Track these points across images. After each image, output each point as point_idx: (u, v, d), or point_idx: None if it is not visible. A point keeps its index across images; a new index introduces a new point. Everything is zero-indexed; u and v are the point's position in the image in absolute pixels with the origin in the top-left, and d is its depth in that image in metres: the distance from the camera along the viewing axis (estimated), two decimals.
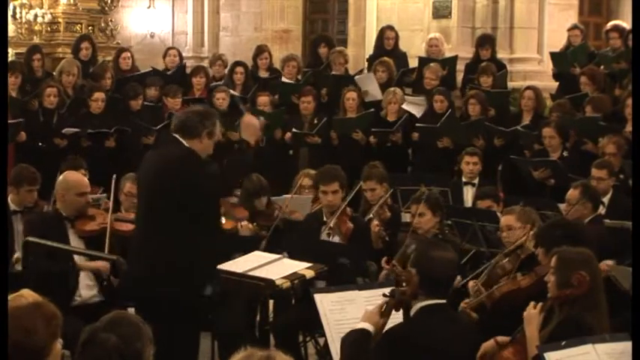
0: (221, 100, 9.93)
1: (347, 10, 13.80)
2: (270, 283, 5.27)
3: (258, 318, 5.99)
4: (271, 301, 5.89)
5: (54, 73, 10.39)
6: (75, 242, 5.93)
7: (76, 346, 3.19)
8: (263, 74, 10.90)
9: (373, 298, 4.55)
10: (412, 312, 4.15)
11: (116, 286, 5.82)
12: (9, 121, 8.61)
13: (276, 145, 9.79)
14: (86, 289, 5.88)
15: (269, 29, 14.62)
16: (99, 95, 9.57)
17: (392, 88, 9.94)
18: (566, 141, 8.62)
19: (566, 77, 10.32)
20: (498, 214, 6.46)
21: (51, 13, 13.62)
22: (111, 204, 6.24)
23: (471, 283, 5.62)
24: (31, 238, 5.95)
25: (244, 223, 6.91)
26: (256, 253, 5.77)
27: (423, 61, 10.53)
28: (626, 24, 10.83)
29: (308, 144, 9.76)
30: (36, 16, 13.46)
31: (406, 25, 12.28)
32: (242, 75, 10.61)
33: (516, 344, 4.47)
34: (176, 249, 5.06)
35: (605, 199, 7.14)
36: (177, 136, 5.17)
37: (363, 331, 4.09)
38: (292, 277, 5.36)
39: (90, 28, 13.86)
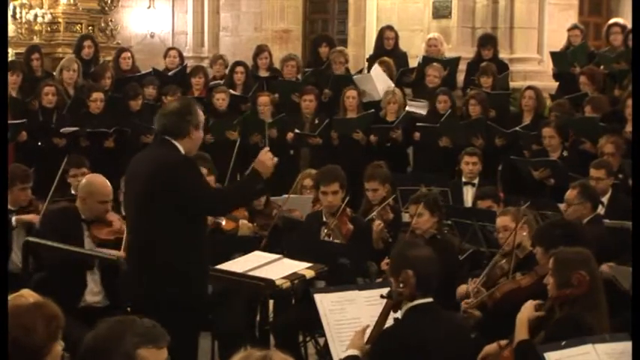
0: (221, 100, 9.96)
1: (347, 10, 13.80)
2: (270, 283, 5.27)
3: (258, 318, 5.99)
4: (271, 301, 5.89)
5: (54, 73, 10.39)
6: (89, 245, 5.91)
7: (77, 350, 3.17)
8: (263, 74, 10.91)
9: (373, 298, 4.55)
10: (401, 313, 4.16)
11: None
12: (12, 122, 8.65)
13: (276, 145, 9.77)
14: (91, 295, 5.84)
15: (269, 29, 14.63)
16: (97, 95, 9.57)
17: (392, 88, 9.95)
18: (566, 141, 8.63)
19: (566, 77, 10.32)
20: None
21: (51, 13, 13.63)
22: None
23: (470, 284, 5.62)
24: (31, 238, 5.98)
25: (244, 221, 6.91)
26: (256, 253, 5.77)
27: (426, 61, 10.54)
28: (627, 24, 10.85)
29: (309, 145, 9.77)
30: (36, 16, 13.46)
31: (406, 25, 12.28)
32: (242, 75, 10.62)
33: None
34: (174, 250, 4.98)
35: (605, 199, 7.13)
36: (166, 137, 5.05)
37: (350, 357, 4.10)
38: (292, 277, 5.36)
39: (90, 28, 13.87)
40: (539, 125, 8.88)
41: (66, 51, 12.58)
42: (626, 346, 3.96)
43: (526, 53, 12.10)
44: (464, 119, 9.57)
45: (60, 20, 13.67)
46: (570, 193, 6.57)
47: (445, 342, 4.09)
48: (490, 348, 4.65)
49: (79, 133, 9.29)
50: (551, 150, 8.56)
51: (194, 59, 14.49)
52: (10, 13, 12.96)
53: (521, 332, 4.36)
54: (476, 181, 8.21)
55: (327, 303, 4.63)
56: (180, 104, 5.21)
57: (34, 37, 13.42)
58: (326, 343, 4.66)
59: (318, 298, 4.65)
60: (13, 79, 9.61)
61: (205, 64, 12.45)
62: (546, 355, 3.89)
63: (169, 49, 11.81)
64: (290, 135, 9.73)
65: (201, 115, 5.15)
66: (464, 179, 8.29)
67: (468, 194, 8.12)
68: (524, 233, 5.71)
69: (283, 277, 5.31)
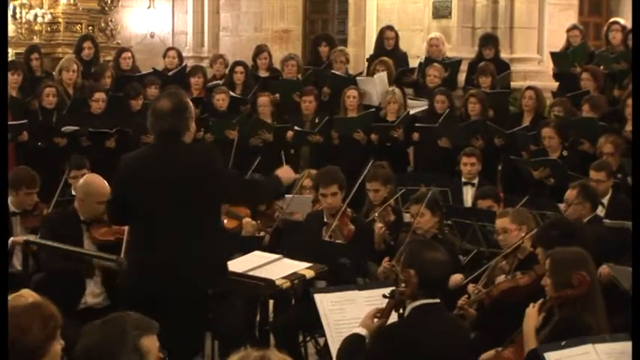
0: (221, 101, 9.97)
1: (347, 10, 13.80)
2: (270, 283, 5.27)
3: (258, 318, 5.99)
4: (271, 301, 5.89)
5: (53, 73, 10.39)
6: (88, 246, 5.91)
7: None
8: (263, 74, 10.92)
9: (373, 298, 4.56)
10: (406, 311, 4.15)
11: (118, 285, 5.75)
12: (13, 122, 8.66)
13: (276, 144, 9.79)
14: (92, 297, 5.85)
15: (269, 29, 14.63)
16: (99, 95, 9.58)
17: (391, 88, 9.95)
18: (566, 141, 8.62)
19: (566, 77, 10.32)
20: None
21: (51, 13, 13.63)
22: None
23: (470, 287, 5.63)
24: (31, 238, 5.98)
25: (248, 219, 6.92)
26: (256, 253, 5.77)
27: (429, 62, 10.54)
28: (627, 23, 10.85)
29: (309, 143, 9.77)
30: (36, 16, 13.46)
31: (406, 25, 12.28)
32: (242, 75, 10.63)
33: (516, 345, 4.50)
34: (217, 242, 5.00)
35: (605, 200, 7.13)
36: (173, 137, 4.98)
37: (356, 335, 4.15)
38: (292, 277, 5.37)
39: (90, 28, 13.87)
40: (538, 126, 8.88)
41: (66, 51, 12.58)
42: (626, 346, 3.96)
43: (526, 53, 12.09)
44: (463, 119, 9.57)
45: (60, 20, 13.68)
46: (570, 193, 6.58)
47: (446, 343, 4.09)
48: (487, 355, 4.66)
49: (80, 132, 9.29)
50: (550, 150, 8.55)
51: (194, 59, 14.48)
52: (10, 13, 12.97)
53: (530, 341, 4.33)
54: (475, 181, 8.21)
55: (327, 303, 4.63)
56: (172, 102, 4.98)
57: (34, 37, 13.42)
58: (326, 343, 4.67)
59: (318, 298, 4.65)
60: (13, 79, 9.61)
61: (205, 64, 12.45)
62: (546, 355, 3.90)
63: (168, 49, 11.81)
64: (290, 133, 9.73)
65: (190, 105, 5.07)
66: (463, 179, 8.29)
67: (468, 194, 8.12)
68: (525, 234, 5.71)
69: (283, 277, 5.32)
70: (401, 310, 4.17)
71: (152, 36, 15.58)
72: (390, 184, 6.99)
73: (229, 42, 15.37)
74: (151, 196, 4.92)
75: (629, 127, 8.31)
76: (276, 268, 5.45)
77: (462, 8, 11.94)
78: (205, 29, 15.59)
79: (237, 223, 6.94)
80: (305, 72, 10.82)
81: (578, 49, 10.44)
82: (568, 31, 10.87)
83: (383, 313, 4.19)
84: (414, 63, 11.03)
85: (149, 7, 15.64)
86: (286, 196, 7.39)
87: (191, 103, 5.12)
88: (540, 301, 4.47)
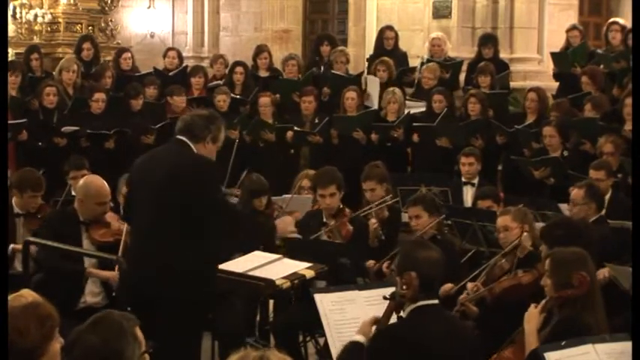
0: (222, 101, 9.97)
1: (347, 10, 13.80)
2: (270, 283, 5.28)
3: (258, 318, 5.99)
4: (271, 301, 5.89)
5: (53, 73, 10.39)
6: (87, 246, 5.91)
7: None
8: (263, 74, 10.91)
9: (373, 298, 4.56)
10: (405, 313, 4.15)
11: (115, 287, 5.78)
12: (12, 121, 8.66)
13: (277, 144, 9.79)
14: (91, 296, 5.84)
15: (269, 29, 14.63)
16: (99, 96, 9.57)
17: (391, 88, 9.93)
18: (567, 140, 8.62)
19: (566, 77, 10.32)
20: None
21: (51, 13, 13.62)
22: None
23: (469, 285, 5.63)
24: (31, 239, 5.98)
25: None
26: (256, 253, 5.77)
27: (429, 62, 10.53)
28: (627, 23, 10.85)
29: (309, 143, 9.77)
30: (36, 16, 13.46)
31: (406, 25, 12.28)
32: (241, 75, 10.62)
33: (516, 344, 4.49)
34: (188, 252, 4.96)
35: (605, 200, 7.12)
36: (183, 138, 5.09)
37: (355, 343, 4.15)
38: (292, 277, 5.37)
39: (90, 28, 13.87)
40: (540, 124, 8.87)
41: (66, 51, 12.58)
42: (626, 346, 3.96)
43: (526, 53, 12.10)
44: (463, 119, 9.56)
45: (60, 20, 13.67)
46: (577, 193, 6.52)
47: (446, 344, 4.09)
48: None
49: (79, 133, 9.29)
50: (551, 149, 8.55)
51: (194, 59, 14.49)
52: (10, 13, 12.96)
53: (531, 342, 4.33)
54: (475, 180, 8.20)
55: (327, 303, 4.63)
56: (210, 113, 5.34)
57: (34, 37, 13.42)
58: (326, 343, 4.67)
59: (318, 298, 4.66)
60: (13, 79, 9.60)
61: (205, 64, 12.45)
62: (546, 355, 3.90)
63: (168, 49, 11.81)
64: (289, 133, 9.74)
65: (222, 134, 5.23)
66: (463, 179, 8.28)
67: (468, 194, 8.11)
68: (525, 233, 5.71)
69: (283, 277, 5.32)
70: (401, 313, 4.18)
71: (152, 36, 15.58)
72: (385, 183, 6.99)
73: (229, 42, 15.37)
74: (143, 194, 5.13)
75: (628, 127, 8.31)
76: (276, 268, 5.45)
77: (462, 8, 11.94)
78: (205, 29, 15.59)
79: None
80: (305, 72, 10.82)
81: (578, 49, 10.43)
82: (568, 31, 10.86)
83: (383, 315, 4.19)
84: (413, 63, 11.02)
85: (149, 7, 15.64)
86: (286, 196, 7.40)
87: (224, 132, 5.27)
88: (543, 302, 4.47)
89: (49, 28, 13.67)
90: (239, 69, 10.67)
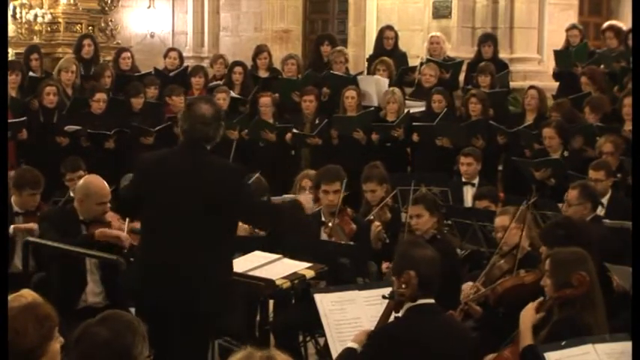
0: (221, 100, 9.95)
1: (347, 10, 13.80)
2: (270, 283, 5.27)
3: (258, 318, 5.99)
4: (271, 301, 5.88)
5: (53, 73, 10.39)
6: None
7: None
8: (263, 74, 10.91)
9: (373, 298, 4.56)
10: (402, 312, 4.16)
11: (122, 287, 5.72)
12: (12, 120, 8.66)
13: (277, 145, 9.79)
14: (92, 296, 5.83)
15: (269, 29, 14.63)
16: (100, 96, 9.57)
17: (391, 88, 9.94)
18: (566, 142, 8.61)
19: (566, 77, 10.32)
20: None
21: (51, 13, 13.63)
22: None
23: (469, 285, 5.62)
24: (31, 239, 5.98)
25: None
26: (256, 253, 5.76)
27: (428, 61, 10.53)
28: (624, 24, 10.84)
29: (308, 145, 9.77)
30: (36, 16, 13.46)
31: (406, 25, 12.28)
32: (240, 75, 10.62)
33: (515, 344, 4.50)
34: (221, 263, 4.87)
35: (604, 200, 7.12)
36: (200, 143, 4.92)
37: (349, 349, 4.16)
38: (292, 277, 5.37)
39: (90, 28, 13.86)
40: (540, 125, 8.87)
41: (66, 51, 12.58)
42: (626, 346, 3.97)
43: (526, 53, 12.10)
44: (463, 119, 9.56)
45: (60, 20, 13.67)
46: (571, 194, 6.56)
47: (443, 343, 4.09)
48: (490, 358, 4.66)
49: (80, 132, 9.29)
50: (551, 150, 8.55)
51: (194, 59, 14.49)
52: (10, 13, 12.96)
53: (526, 338, 4.35)
54: (476, 180, 8.20)
55: (327, 303, 4.63)
56: (214, 110, 5.00)
57: (34, 37, 13.42)
58: (326, 343, 4.67)
59: (318, 298, 4.66)
60: (13, 79, 9.61)
61: (205, 64, 12.46)
62: (546, 355, 3.90)
63: (169, 49, 11.81)
64: (289, 135, 9.74)
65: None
66: (463, 179, 8.28)
67: (468, 194, 8.12)
68: (523, 233, 5.70)
69: (283, 277, 5.32)
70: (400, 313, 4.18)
71: (152, 36, 15.58)
72: (385, 184, 7.00)
73: (229, 42, 15.37)
74: (164, 197, 4.87)
75: (627, 127, 8.30)
76: (276, 268, 5.45)
77: (462, 8, 11.94)
78: (205, 29, 15.60)
79: None
80: (305, 71, 10.82)
81: (578, 49, 10.43)
82: (567, 30, 10.86)
83: (382, 315, 4.19)
84: (413, 63, 11.02)
85: (149, 7, 15.64)
86: (286, 196, 7.39)
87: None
88: (539, 300, 4.48)
89: (49, 28, 13.67)
90: (238, 69, 10.67)
